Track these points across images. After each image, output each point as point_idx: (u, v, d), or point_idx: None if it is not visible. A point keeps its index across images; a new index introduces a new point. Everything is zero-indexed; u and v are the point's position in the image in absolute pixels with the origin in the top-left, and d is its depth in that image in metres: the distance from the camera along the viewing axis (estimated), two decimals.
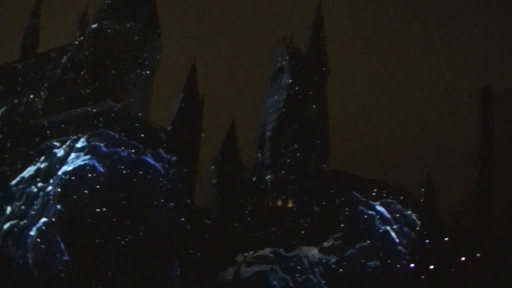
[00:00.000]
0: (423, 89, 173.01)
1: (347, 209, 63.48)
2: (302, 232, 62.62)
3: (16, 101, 65.35)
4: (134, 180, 56.71)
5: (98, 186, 54.11)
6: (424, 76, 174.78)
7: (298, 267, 60.07)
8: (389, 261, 61.60)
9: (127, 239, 54.24)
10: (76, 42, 66.79)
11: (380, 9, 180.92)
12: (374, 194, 66.10)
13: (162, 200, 57.36)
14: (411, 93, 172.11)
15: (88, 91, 64.31)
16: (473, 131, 45.35)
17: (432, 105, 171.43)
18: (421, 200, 69.50)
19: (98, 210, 53.45)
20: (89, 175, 54.20)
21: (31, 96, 64.83)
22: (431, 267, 45.71)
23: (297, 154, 63.96)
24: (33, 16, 71.04)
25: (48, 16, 75.46)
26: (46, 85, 64.60)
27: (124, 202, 55.46)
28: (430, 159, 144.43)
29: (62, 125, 60.38)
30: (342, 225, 62.78)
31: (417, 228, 63.19)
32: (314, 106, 69.32)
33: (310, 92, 69.83)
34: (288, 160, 63.50)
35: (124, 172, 56.59)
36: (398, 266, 60.72)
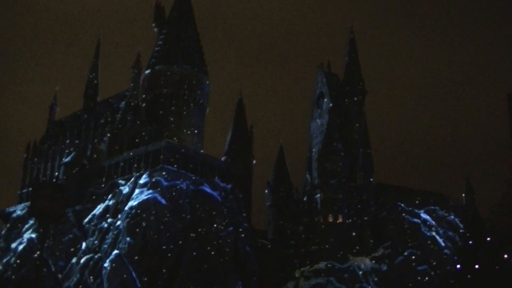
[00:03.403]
0: (456, 102, 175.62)
1: (393, 219, 66.05)
2: (354, 244, 64.98)
3: (83, 146, 69.67)
4: (195, 208, 60.11)
5: (164, 216, 57.52)
6: (455, 88, 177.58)
7: (353, 277, 61.97)
8: (437, 264, 63.91)
9: (195, 263, 57.38)
10: (132, 87, 70.91)
11: (409, 27, 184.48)
12: (417, 202, 68.38)
13: (222, 226, 60.22)
14: (444, 105, 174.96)
15: (146, 131, 68.17)
16: (506, 135, 48.30)
17: (464, 114, 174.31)
18: (463, 204, 71.63)
19: (166, 238, 56.56)
20: (153, 207, 57.57)
21: (96, 141, 68.90)
22: (476, 266, 48.88)
23: (343, 173, 66.65)
24: (92, 70, 76.22)
25: (105, 66, 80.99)
26: (108, 129, 68.59)
27: (188, 229, 58.73)
28: (468, 165, 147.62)
29: (125, 164, 64.21)
30: (390, 235, 65.13)
31: (461, 231, 66.10)
32: (355, 125, 72.22)
33: (350, 113, 73.36)
34: (335, 179, 66.20)
35: (185, 202, 60.13)
36: (447, 268, 62.65)
